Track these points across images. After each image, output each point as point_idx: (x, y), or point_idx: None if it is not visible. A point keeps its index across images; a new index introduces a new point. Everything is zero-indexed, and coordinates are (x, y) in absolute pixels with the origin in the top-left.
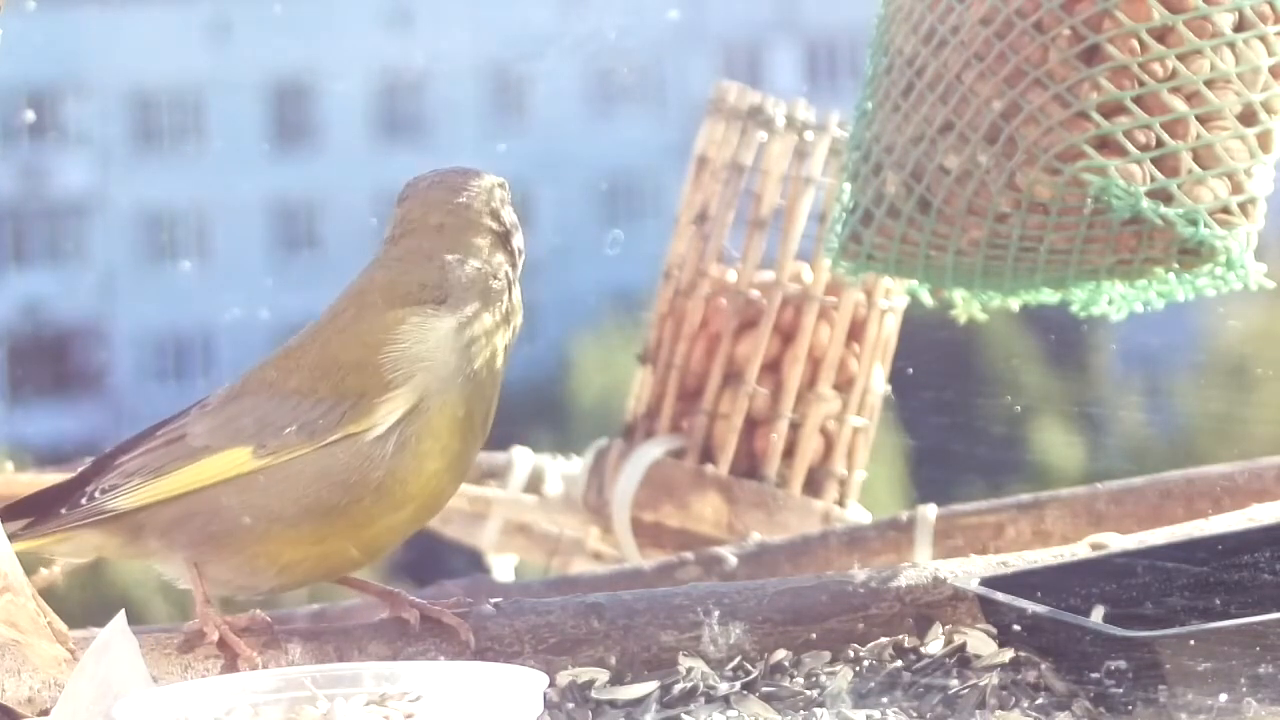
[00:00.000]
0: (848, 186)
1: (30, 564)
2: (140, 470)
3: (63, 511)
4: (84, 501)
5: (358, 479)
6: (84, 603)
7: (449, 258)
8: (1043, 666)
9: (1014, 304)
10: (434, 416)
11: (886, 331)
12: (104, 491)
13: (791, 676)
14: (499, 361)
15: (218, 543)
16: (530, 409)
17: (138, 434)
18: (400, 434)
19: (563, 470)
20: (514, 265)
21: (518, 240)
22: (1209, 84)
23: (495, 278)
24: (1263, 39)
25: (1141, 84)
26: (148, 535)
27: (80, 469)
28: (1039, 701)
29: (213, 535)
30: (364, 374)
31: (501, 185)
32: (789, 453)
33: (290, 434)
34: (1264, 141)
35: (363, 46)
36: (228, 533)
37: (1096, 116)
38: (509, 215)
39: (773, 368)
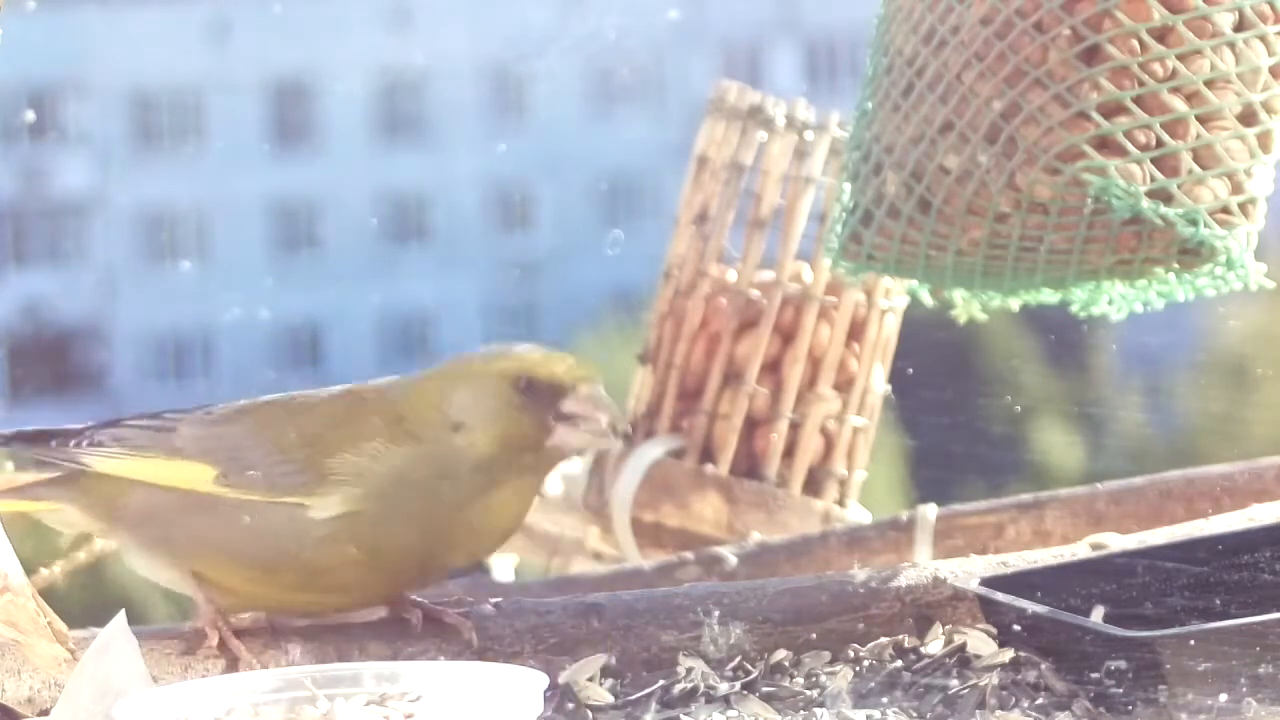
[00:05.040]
0: (848, 186)
1: (30, 564)
2: (126, 440)
3: (52, 444)
4: (72, 444)
5: (292, 548)
6: (84, 603)
7: (421, 430)
8: (1043, 666)
9: (1014, 304)
10: (361, 535)
11: (886, 331)
12: (91, 444)
13: (791, 676)
14: (439, 553)
15: (171, 550)
16: None
17: (155, 411)
18: (330, 530)
19: (563, 470)
20: (455, 464)
21: (460, 439)
22: (1209, 84)
23: (452, 463)
24: (1263, 39)
25: (1141, 84)
26: (120, 526)
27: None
28: (1039, 701)
29: (166, 539)
30: (329, 461)
31: (498, 375)
32: (789, 453)
33: (253, 476)
34: (1264, 141)
35: (363, 46)
36: (177, 541)
37: (1096, 116)
38: (458, 413)
39: (773, 368)
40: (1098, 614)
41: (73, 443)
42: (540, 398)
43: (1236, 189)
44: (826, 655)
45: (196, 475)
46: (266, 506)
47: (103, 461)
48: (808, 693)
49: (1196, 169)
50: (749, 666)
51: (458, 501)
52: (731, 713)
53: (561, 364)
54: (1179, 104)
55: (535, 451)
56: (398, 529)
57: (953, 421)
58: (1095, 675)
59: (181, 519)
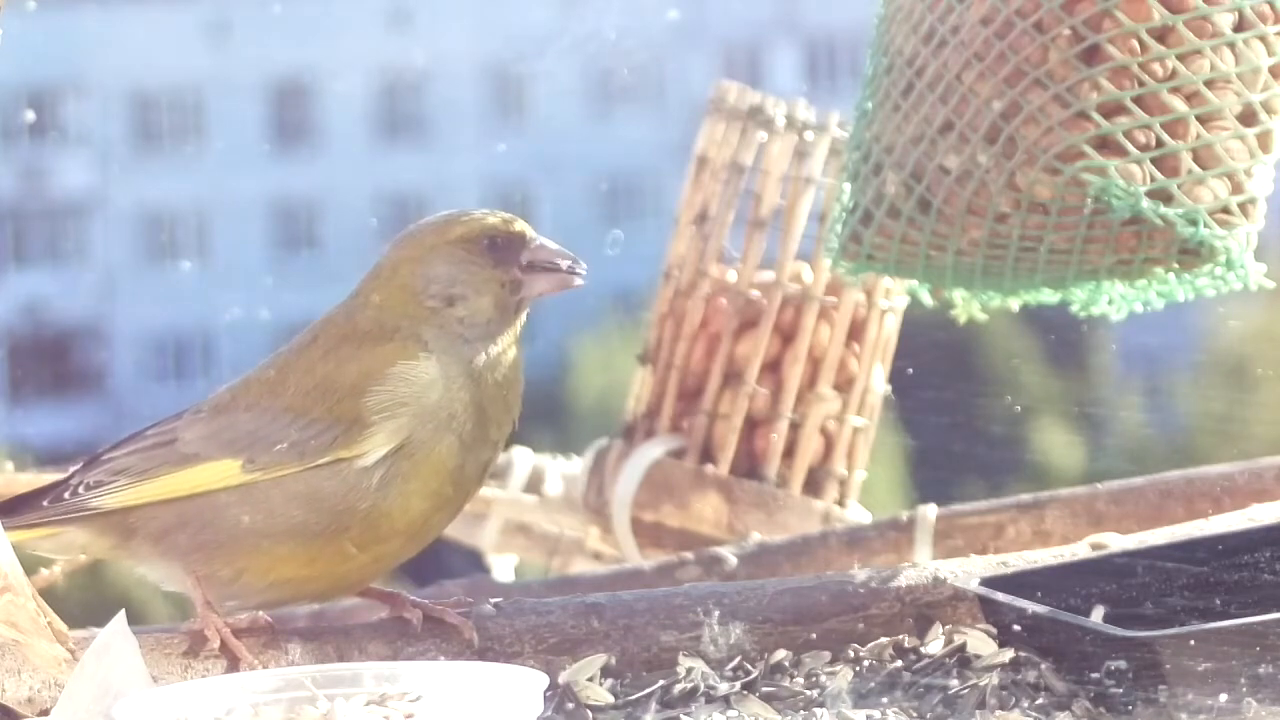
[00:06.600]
0: (848, 186)
1: (30, 564)
2: (127, 470)
3: (44, 504)
4: (67, 496)
5: (344, 507)
6: (84, 603)
7: (413, 318)
8: (1043, 666)
9: (1014, 304)
10: (420, 460)
11: (886, 331)
12: (88, 488)
13: (791, 676)
14: (493, 417)
15: (208, 553)
16: (530, 409)
17: (131, 434)
18: (387, 470)
19: (563, 470)
20: (461, 334)
21: (460, 310)
22: (1209, 84)
23: (462, 342)
24: (1263, 39)
25: (1141, 84)
26: (140, 540)
27: (73, 469)
28: (1039, 701)
29: (204, 545)
30: (358, 402)
31: (460, 241)
32: (789, 453)
33: (281, 451)
34: (1264, 141)
35: (363, 46)
36: (219, 544)
37: (1096, 116)
38: (448, 287)
39: (773, 368)
40: (1098, 614)
41: (67, 494)
42: (504, 253)
43: (1236, 189)
44: (826, 655)
45: (220, 472)
46: (305, 475)
47: (115, 498)
48: (808, 693)
49: (1196, 169)
50: (749, 666)
51: (489, 375)
52: (731, 713)
53: (503, 217)
54: (1179, 104)
55: (516, 308)
56: (449, 436)
57: (953, 421)
58: (1095, 675)
59: (215, 523)
